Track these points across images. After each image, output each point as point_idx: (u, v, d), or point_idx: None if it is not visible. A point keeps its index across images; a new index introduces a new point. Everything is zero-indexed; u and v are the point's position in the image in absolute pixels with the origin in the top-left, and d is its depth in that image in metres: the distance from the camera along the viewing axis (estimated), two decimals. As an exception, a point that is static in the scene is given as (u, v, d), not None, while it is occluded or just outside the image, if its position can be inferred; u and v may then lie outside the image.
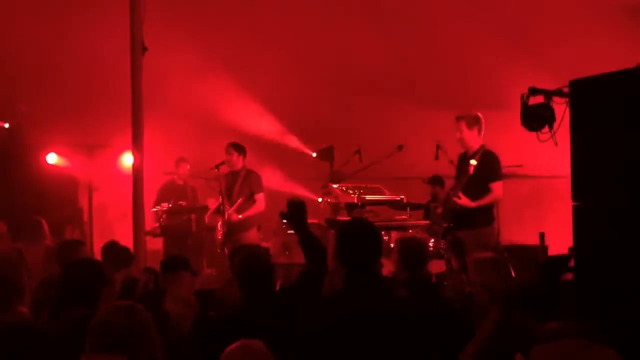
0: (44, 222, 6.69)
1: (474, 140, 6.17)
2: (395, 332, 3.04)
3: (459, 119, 6.19)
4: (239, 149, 7.73)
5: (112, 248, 5.45)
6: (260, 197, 7.62)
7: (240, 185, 7.61)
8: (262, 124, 9.94)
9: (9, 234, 6.98)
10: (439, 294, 4.58)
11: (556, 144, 4.52)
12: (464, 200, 5.98)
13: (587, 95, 3.87)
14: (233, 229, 7.54)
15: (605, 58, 4.82)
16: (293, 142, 10.52)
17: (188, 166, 8.90)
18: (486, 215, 6.13)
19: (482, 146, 6.17)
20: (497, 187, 6.09)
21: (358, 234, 3.28)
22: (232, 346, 2.66)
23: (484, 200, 6.04)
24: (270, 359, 2.65)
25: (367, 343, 3.01)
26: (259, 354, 2.64)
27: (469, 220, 6.01)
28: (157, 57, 6.41)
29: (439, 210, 6.59)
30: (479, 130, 6.14)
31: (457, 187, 6.12)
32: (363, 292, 3.15)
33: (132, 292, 3.68)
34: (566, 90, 4.08)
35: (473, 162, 6.04)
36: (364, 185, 7.65)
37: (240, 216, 7.55)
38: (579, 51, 7.29)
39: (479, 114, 6.19)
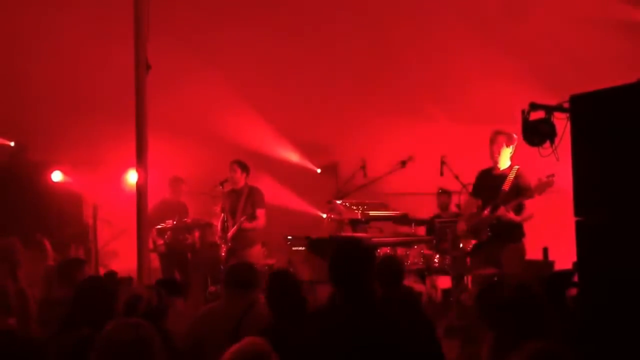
0: (46, 242, 6.73)
1: (507, 157, 6.37)
2: (377, 349, 3.05)
3: (497, 133, 6.36)
4: (242, 166, 7.73)
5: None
6: (261, 212, 7.60)
7: (244, 203, 7.60)
8: (267, 140, 9.97)
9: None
10: (417, 309, 4.56)
11: (557, 159, 4.53)
12: (511, 215, 6.19)
13: (588, 110, 3.86)
14: (237, 245, 7.53)
15: (606, 73, 4.83)
16: (298, 158, 10.55)
17: (183, 186, 8.84)
18: (521, 230, 6.34)
19: (513, 164, 6.37)
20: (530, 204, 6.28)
21: (343, 254, 3.31)
22: (237, 345, 2.61)
23: (524, 215, 6.27)
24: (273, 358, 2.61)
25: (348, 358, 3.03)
26: (263, 352, 2.60)
27: (509, 234, 6.23)
28: (161, 73, 6.44)
29: (462, 224, 6.64)
30: (513, 149, 6.33)
31: (500, 202, 6.25)
32: (349, 308, 3.16)
33: (135, 309, 3.69)
34: (567, 105, 4.08)
35: (510, 176, 6.24)
36: (368, 201, 7.65)
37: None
38: (580, 66, 7.33)
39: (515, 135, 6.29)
